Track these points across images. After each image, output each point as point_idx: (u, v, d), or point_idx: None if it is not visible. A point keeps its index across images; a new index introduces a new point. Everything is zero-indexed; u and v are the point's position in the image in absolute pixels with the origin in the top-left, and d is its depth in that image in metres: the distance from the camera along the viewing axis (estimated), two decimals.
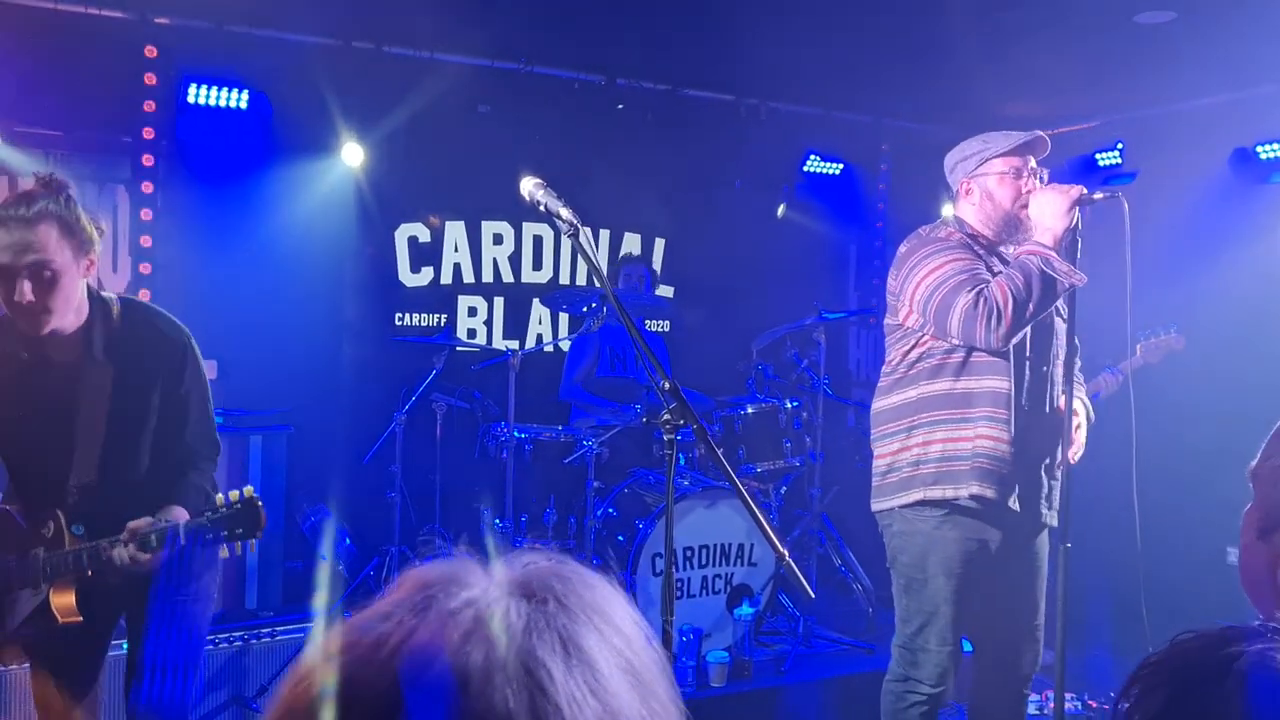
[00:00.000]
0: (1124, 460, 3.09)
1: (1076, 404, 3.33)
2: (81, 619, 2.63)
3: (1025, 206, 3.27)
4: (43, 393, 2.66)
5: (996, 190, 3.30)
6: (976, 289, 3.10)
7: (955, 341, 3.21)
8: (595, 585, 0.67)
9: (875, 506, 3.42)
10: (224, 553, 2.55)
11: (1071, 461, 3.24)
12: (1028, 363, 3.24)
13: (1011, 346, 3.17)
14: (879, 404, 3.44)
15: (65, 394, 2.65)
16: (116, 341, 2.68)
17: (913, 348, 3.32)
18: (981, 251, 3.29)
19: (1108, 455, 3.35)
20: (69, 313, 2.59)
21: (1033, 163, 3.33)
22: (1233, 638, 0.89)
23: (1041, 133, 3.33)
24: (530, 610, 0.63)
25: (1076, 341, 3.41)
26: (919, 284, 3.23)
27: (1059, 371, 3.32)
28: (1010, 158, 3.30)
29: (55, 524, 2.62)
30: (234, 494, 2.61)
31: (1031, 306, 3.06)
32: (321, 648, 0.63)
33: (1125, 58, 5.41)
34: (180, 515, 2.62)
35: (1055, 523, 3.32)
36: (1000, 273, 3.17)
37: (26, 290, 2.48)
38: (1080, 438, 3.30)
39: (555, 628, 0.62)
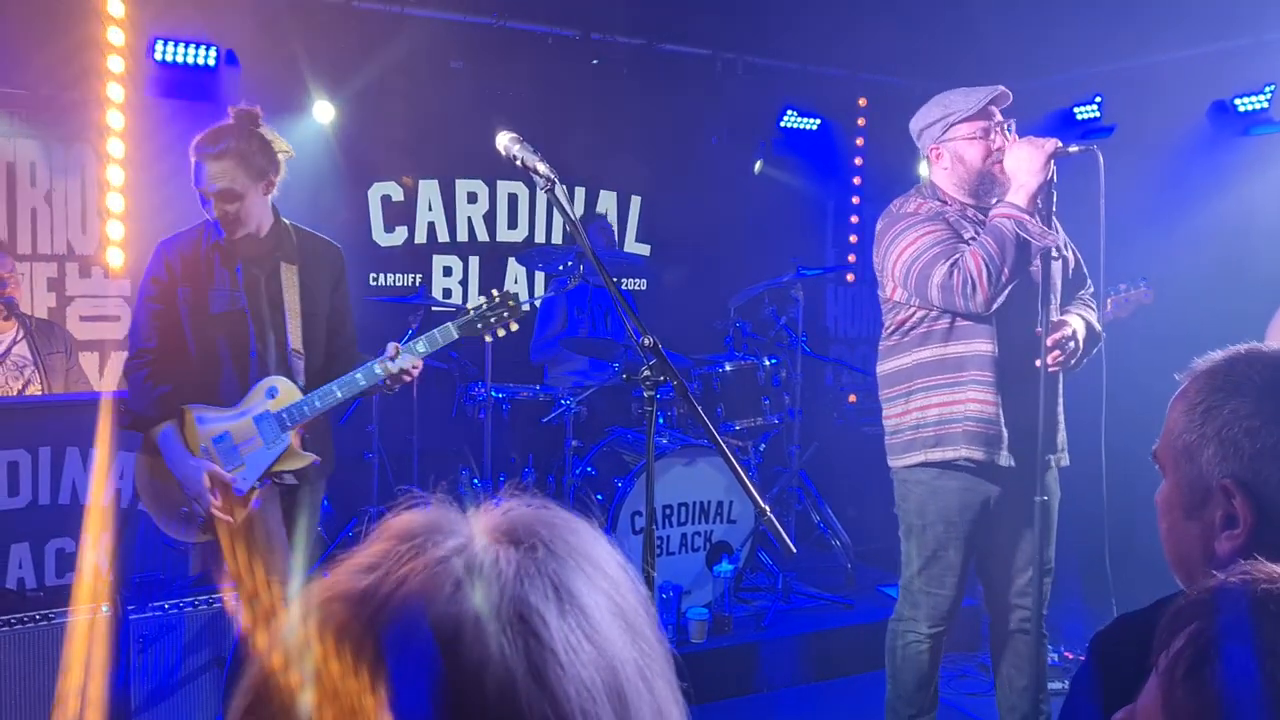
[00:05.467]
0: (1094, 414, 3.12)
1: (1074, 319, 3.35)
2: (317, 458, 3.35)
3: (999, 163, 3.27)
4: (250, 282, 3.35)
5: (966, 152, 3.31)
6: (951, 260, 3.15)
7: (940, 309, 3.27)
8: (580, 529, 0.66)
9: (889, 463, 3.51)
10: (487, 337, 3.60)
11: (1050, 367, 3.25)
12: (1011, 323, 3.26)
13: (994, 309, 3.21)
14: (881, 368, 3.51)
15: (268, 283, 3.35)
16: (296, 248, 3.39)
17: (904, 318, 3.39)
18: (954, 217, 3.31)
19: (1078, 410, 3.39)
20: (252, 223, 3.31)
21: (998, 116, 3.33)
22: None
23: (1002, 87, 3.31)
24: (520, 557, 0.61)
25: (1085, 270, 3.49)
26: (897, 260, 3.30)
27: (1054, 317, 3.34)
28: (975, 120, 3.30)
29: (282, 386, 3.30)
30: (493, 293, 3.63)
31: (1006, 271, 3.10)
32: (305, 603, 0.61)
33: (1103, 9, 5.38)
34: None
35: (1067, 462, 3.43)
36: (973, 238, 3.20)
37: (219, 208, 3.26)
38: (1064, 334, 3.28)
39: (546, 574, 0.61)
